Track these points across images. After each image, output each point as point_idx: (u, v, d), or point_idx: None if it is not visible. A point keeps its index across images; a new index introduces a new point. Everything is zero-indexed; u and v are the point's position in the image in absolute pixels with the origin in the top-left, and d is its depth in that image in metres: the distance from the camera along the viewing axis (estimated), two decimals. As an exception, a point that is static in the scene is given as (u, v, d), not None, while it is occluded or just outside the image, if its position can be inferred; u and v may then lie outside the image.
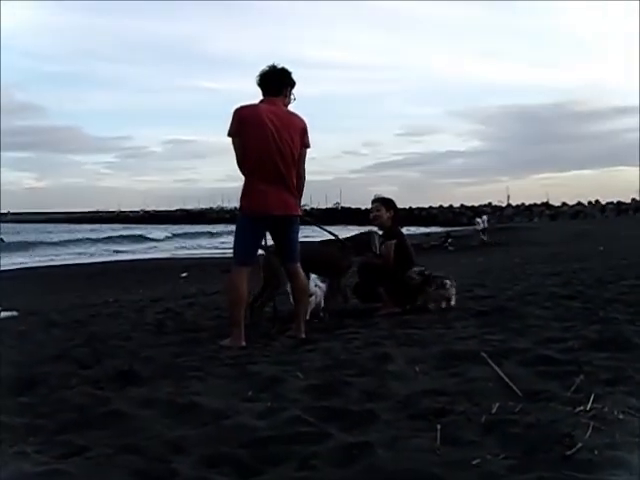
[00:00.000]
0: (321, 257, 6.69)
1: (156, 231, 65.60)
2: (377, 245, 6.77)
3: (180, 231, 66.44)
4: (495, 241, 29.62)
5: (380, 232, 7.13)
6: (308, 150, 5.88)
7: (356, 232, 7.42)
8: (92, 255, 40.67)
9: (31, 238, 55.00)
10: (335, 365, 4.36)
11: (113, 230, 69.31)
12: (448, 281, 6.85)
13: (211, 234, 60.08)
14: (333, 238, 6.94)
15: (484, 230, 34.63)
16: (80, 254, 41.54)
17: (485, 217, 38.60)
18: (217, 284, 13.02)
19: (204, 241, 54.31)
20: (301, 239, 5.99)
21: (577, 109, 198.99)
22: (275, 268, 6.32)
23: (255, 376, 4.17)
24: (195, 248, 45.95)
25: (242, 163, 5.73)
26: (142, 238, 57.52)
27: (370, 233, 6.91)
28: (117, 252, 42.86)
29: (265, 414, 3.30)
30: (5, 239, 53.15)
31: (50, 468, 2.70)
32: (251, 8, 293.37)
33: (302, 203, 6.04)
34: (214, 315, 7.72)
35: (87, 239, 55.75)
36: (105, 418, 3.41)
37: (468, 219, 66.27)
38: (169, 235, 61.81)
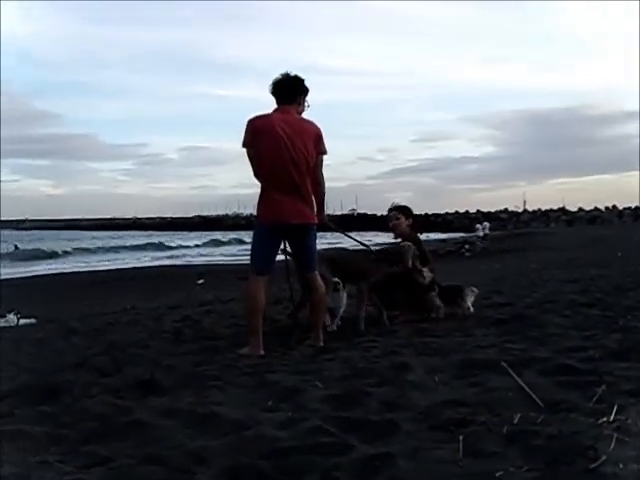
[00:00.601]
0: (354, 266, 6.65)
1: (177, 239, 65.66)
2: (410, 258, 6.68)
3: (207, 238, 66.24)
4: (503, 248, 29.47)
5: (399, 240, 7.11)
6: (324, 156, 5.89)
7: (386, 243, 7.34)
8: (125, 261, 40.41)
9: (48, 245, 55.16)
10: (354, 374, 4.36)
11: (142, 238, 69.19)
12: (467, 290, 6.89)
13: (240, 242, 58.12)
14: (368, 248, 6.94)
15: (485, 236, 34.59)
16: (112, 260, 41.38)
17: (486, 224, 38.64)
18: (233, 291, 13.05)
19: (233, 248, 53.09)
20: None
21: (591, 113, 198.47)
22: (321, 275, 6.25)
23: (274, 385, 4.17)
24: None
25: (257, 173, 5.76)
26: (163, 246, 57.52)
27: (403, 246, 6.81)
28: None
29: (286, 424, 3.30)
30: (20, 246, 53.60)
31: (74, 478, 2.72)
32: (263, 15, 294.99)
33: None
34: (231, 323, 7.73)
35: (121, 247, 55.98)
36: (127, 428, 3.42)
37: (484, 225, 66.17)
38: (198, 243, 61.73)
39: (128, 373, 5.05)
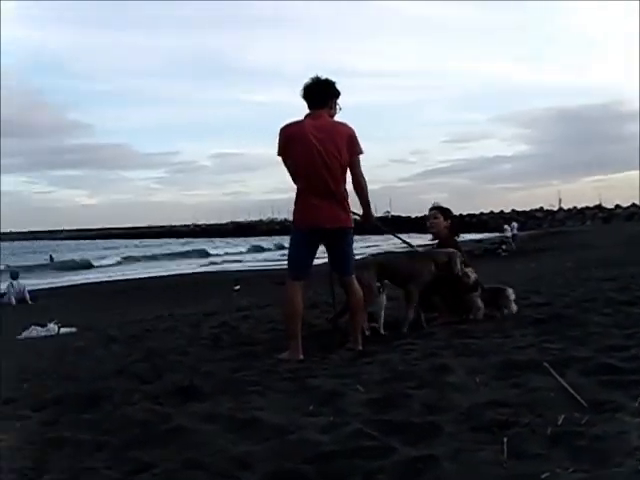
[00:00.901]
0: (403, 268, 6.63)
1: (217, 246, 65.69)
2: (458, 264, 6.63)
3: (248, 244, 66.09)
4: (539, 247, 29.19)
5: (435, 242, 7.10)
6: (361, 156, 5.88)
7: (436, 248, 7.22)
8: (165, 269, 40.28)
9: (84, 255, 55.76)
10: (394, 377, 4.34)
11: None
12: (510, 290, 6.87)
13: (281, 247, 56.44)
14: (415, 249, 6.94)
15: (514, 237, 34.16)
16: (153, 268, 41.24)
17: (515, 224, 38.23)
18: (269, 296, 13.08)
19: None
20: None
21: (622, 109, 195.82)
22: (367, 283, 6.26)
23: (315, 390, 4.17)
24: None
25: (294, 179, 5.81)
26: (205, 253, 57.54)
27: (451, 252, 6.76)
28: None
29: (328, 428, 3.30)
30: (55, 256, 54.05)
31: (120, 484, 2.75)
32: (292, 20, 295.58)
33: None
34: (269, 328, 7.74)
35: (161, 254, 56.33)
36: (168, 434, 3.45)
37: (520, 224, 65.59)
38: (243, 250, 61.47)
39: (167, 379, 5.09)
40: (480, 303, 6.76)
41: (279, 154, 5.79)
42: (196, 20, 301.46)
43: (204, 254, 56.64)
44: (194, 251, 60.08)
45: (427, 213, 7.41)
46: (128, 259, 51.91)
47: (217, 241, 77.90)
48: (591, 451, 2.61)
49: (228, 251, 60.27)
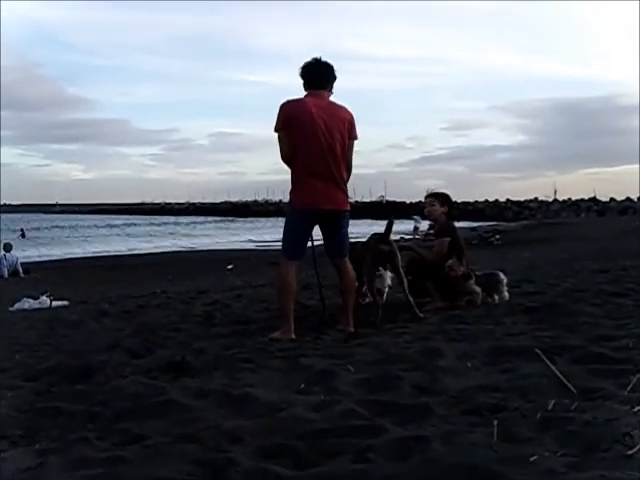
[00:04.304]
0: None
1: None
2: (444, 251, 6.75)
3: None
4: (533, 237, 29.03)
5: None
6: (355, 142, 5.89)
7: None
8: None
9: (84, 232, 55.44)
10: (385, 359, 4.37)
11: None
12: (501, 274, 6.92)
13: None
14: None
15: (416, 229, 31.06)
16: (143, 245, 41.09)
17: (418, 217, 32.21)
18: (263, 276, 13.10)
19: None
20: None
21: (622, 102, 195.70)
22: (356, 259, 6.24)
23: (306, 369, 4.20)
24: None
25: (289, 158, 5.75)
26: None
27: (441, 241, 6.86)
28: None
29: (319, 407, 3.33)
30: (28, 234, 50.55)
31: (112, 454, 2.77)
32: (295, 2, 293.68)
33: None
34: (262, 308, 7.76)
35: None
36: (160, 407, 3.48)
37: (514, 214, 65.73)
38: None
39: (160, 354, 5.13)
40: (477, 288, 6.79)
41: (277, 130, 5.72)
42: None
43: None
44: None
45: (423, 200, 7.42)
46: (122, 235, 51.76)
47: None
48: (580, 436, 2.63)
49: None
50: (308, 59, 5.86)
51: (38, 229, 61.04)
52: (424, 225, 29.97)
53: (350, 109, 5.86)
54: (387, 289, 6.83)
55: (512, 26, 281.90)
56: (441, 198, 7.20)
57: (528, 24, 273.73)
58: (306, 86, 5.83)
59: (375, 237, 6.52)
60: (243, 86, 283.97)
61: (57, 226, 69.01)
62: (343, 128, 5.71)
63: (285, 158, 5.76)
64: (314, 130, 5.58)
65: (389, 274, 6.65)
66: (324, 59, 5.87)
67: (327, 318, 6.19)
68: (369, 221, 42.62)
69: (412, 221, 33.97)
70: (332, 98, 5.91)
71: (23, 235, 47.96)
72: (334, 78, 5.90)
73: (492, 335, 5.04)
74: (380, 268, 6.46)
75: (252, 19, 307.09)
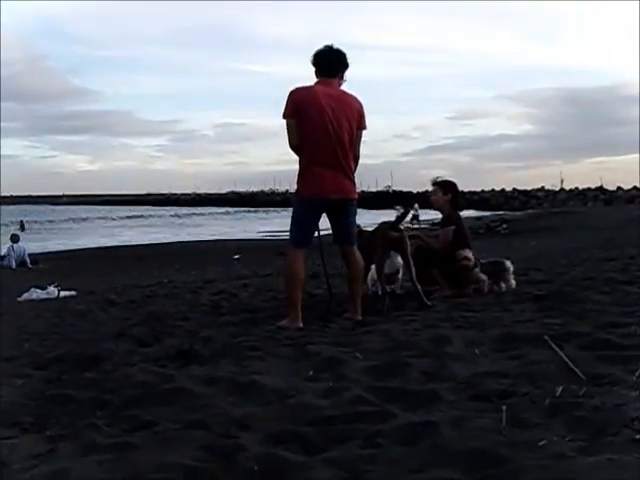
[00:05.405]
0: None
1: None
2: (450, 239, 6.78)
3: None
4: (539, 226, 28.95)
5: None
6: (364, 132, 5.87)
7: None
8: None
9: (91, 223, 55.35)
10: (394, 346, 4.37)
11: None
12: (508, 262, 6.92)
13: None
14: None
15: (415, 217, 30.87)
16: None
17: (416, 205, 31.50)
18: (270, 266, 13.11)
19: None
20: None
21: (629, 92, 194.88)
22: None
23: (315, 356, 4.20)
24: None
25: (297, 145, 5.71)
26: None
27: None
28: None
29: (328, 393, 3.33)
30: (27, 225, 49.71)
31: (121, 440, 2.79)
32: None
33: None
34: (269, 296, 7.77)
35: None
36: (169, 394, 3.48)
37: (521, 203, 65.60)
38: None
39: (167, 343, 5.13)
40: (483, 276, 6.80)
41: (285, 116, 5.68)
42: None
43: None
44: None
45: (429, 189, 7.42)
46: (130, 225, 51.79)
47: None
48: (588, 421, 2.64)
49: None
50: (320, 46, 5.80)
51: (51, 221, 60.93)
52: (422, 215, 30.24)
53: (360, 98, 5.84)
54: (401, 274, 6.81)
55: (518, 16, 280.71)
56: (444, 187, 7.16)
57: (534, 14, 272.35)
58: (317, 74, 5.79)
59: (385, 225, 6.52)
60: (248, 76, 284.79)
61: (70, 218, 68.81)
62: (352, 118, 5.68)
63: (293, 146, 5.73)
64: (322, 119, 5.55)
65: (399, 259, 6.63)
66: (336, 46, 5.83)
67: (334, 306, 6.19)
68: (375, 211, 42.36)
69: (412, 210, 33.72)
70: (343, 86, 5.87)
71: (22, 228, 47.22)
72: (346, 66, 5.84)
73: (500, 322, 5.05)
74: (391, 253, 6.47)
75: (257, 9, 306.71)
